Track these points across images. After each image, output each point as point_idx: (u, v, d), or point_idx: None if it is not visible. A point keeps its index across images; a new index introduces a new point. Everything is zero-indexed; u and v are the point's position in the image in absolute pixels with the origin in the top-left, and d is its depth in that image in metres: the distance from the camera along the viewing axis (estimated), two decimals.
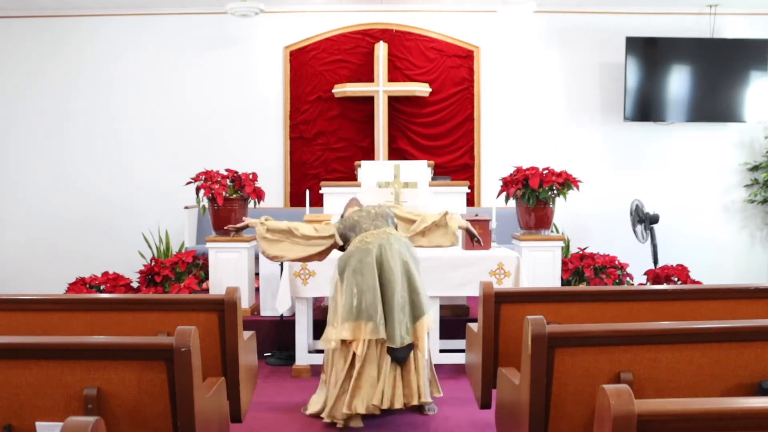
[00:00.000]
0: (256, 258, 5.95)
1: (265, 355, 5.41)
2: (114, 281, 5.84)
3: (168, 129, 7.79)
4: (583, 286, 5.61)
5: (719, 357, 2.57)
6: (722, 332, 2.61)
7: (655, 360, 2.55)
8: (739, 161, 7.85)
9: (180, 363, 2.38)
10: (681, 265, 6.23)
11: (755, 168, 7.78)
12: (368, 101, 7.63)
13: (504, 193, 5.88)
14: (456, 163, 7.78)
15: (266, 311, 5.67)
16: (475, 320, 3.89)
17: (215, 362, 3.22)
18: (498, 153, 7.66)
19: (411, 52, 7.77)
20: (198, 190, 5.71)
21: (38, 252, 7.77)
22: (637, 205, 6.73)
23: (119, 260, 7.13)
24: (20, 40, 7.74)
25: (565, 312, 3.39)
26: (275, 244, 4.06)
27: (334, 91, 7.65)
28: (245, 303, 5.70)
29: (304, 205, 5.45)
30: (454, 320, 5.50)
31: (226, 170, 5.79)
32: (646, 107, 7.61)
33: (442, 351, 5.01)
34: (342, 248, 4.11)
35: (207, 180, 5.68)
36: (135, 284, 6.10)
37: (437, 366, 5.08)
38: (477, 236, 4.42)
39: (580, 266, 5.99)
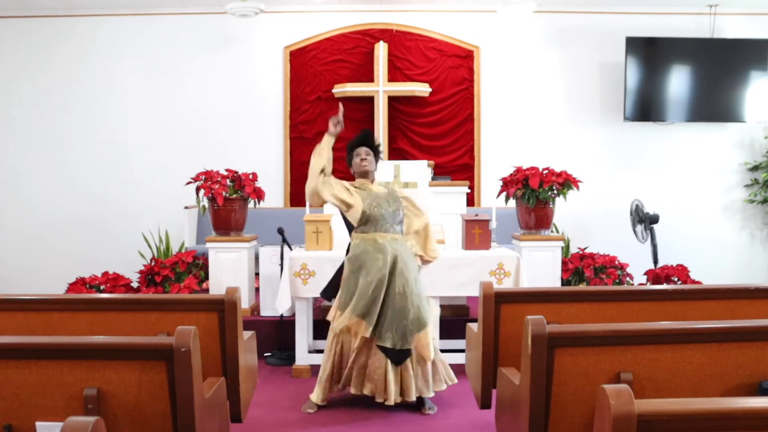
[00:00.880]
0: (256, 258, 5.96)
1: (265, 355, 5.41)
2: (114, 281, 5.83)
3: (168, 129, 7.79)
4: (583, 286, 5.62)
5: (719, 357, 2.57)
6: (722, 332, 2.61)
7: (655, 360, 2.55)
8: (739, 161, 7.85)
9: (180, 363, 2.38)
10: (681, 265, 6.23)
11: (755, 168, 7.78)
12: (368, 101, 7.63)
13: (504, 193, 5.88)
14: (456, 163, 7.78)
15: (266, 311, 5.67)
16: (475, 320, 3.90)
17: (215, 362, 3.22)
18: (498, 153, 7.66)
19: (411, 52, 7.77)
20: (198, 190, 5.71)
21: (38, 252, 7.77)
22: (637, 205, 6.73)
23: (119, 260, 7.13)
24: (20, 40, 7.74)
25: (565, 312, 3.39)
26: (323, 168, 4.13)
27: (334, 91, 7.65)
28: (245, 303, 5.70)
29: (304, 205, 5.45)
30: (454, 320, 5.51)
31: (226, 170, 5.79)
32: (646, 107, 7.61)
33: (442, 351, 4.99)
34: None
35: (207, 180, 5.68)
36: (135, 284, 6.10)
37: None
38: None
39: (580, 266, 5.99)
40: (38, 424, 2.29)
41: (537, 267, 5.67)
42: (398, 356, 4.06)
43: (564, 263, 5.96)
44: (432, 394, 4.21)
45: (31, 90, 7.78)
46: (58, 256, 7.68)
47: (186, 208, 7.06)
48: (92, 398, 2.35)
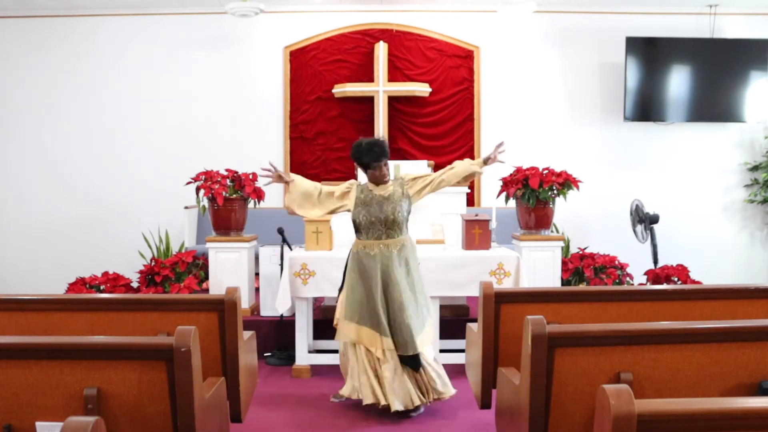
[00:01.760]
0: (256, 258, 5.95)
1: (265, 355, 5.41)
2: (114, 281, 5.83)
3: (168, 129, 7.78)
4: (583, 286, 5.61)
5: (719, 357, 2.57)
6: (722, 332, 2.61)
7: (655, 360, 2.55)
8: (739, 161, 7.85)
9: (180, 363, 2.38)
10: (681, 265, 6.23)
11: (755, 168, 7.78)
12: (368, 101, 7.63)
13: (504, 193, 5.89)
14: None
15: (266, 311, 5.67)
16: (475, 320, 3.90)
17: (215, 362, 3.22)
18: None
19: (411, 52, 7.77)
20: (198, 190, 5.71)
21: (38, 252, 7.77)
22: (637, 205, 6.73)
23: (119, 260, 7.13)
24: (20, 40, 7.73)
25: (565, 312, 3.39)
26: (299, 205, 4.24)
27: (334, 91, 7.65)
28: (245, 303, 5.70)
29: None
30: (454, 320, 5.50)
31: (226, 170, 5.79)
32: (646, 107, 7.61)
33: (442, 351, 5.01)
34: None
35: (207, 180, 5.68)
36: (135, 284, 6.10)
37: None
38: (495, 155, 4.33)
39: (580, 266, 5.99)
40: (38, 424, 2.29)
41: (537, 267, 5.67)
42: (412, 362, 4.08)
43: (564, 263, 5.96)
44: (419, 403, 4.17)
45: (31, 90, 7.77)
46: (58, 256, 7.68)
47: (186, 208, 7.06)
48: (92, 398, 2.35)
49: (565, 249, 7.13)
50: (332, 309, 4.90)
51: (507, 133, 7.75)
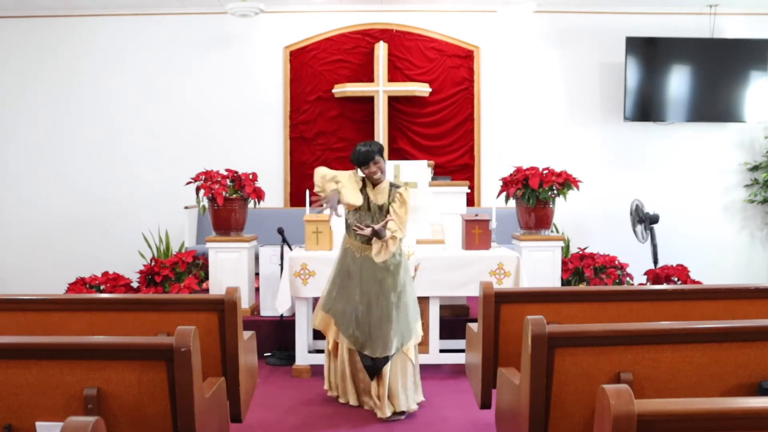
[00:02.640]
0: (256, 258, 5.96)
1: (265, 355, 5.41)
2: (114, 281, 5.83)
3: (168, 129, 7.79)
4: (583, 286, 5.62)
5: (719, 357, 2.57)
6: (722, 332, 2.61)
7: (655, 360, 2.55)
8: (739, 161, 7.85)
9: (180, 363, 2.38)
10: (681, 265, 6.23)
11: (755, 168, 7.78)
12: (368, 101, 7.63)
13: (504, 193, 5.88)
14: (456, 163, 7.78)
15: (266, 311, 5.67)
16: (475, 320, 3.90)
17: (215, 362, 3.22)
18: (498, 153, 7.66)
19: (411, 52, 7.77)
20: (198, 190, 5.71)
21: (38, 252, 7.77)
22: (637, 205, 6.73)
23: (119, 260, 7.13)
24: (20, 40, 7.73)
25: (565, 312, 3.39)
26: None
27: (334, 91, 7.65)
28: (245, 303, 5.70)
29: (304, 205, 5.45)
30: (454, 320, 5.50)
31: (226, 170, 5.79)
32: (646, 107, 7.61)
33: (442, 351, 5.01)
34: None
35: (207, 180, 5.68)
36: (135, 284, 6.10)
37: (437, 366, 5.09)
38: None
39: (580, 266, 5.99)
40: (38, 424, 2.29)
41: (537, 267, 5.67)
42: (375, 365, 4.14)
43: (564, 263, 5.97)
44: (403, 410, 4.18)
45: (30, 90, 7.77)
46: (58, 256, 7.68)
47: (186, 208, 7.06)
48: (92, 398, 2.35)
49: (565, 249, 7.13)
50: None
51: (507, 133, 7.80)
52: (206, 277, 5.89)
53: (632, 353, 2.55)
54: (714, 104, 7.56)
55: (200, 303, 3.28)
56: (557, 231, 7.30)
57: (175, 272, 5.91)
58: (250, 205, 5.86)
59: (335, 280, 4.30)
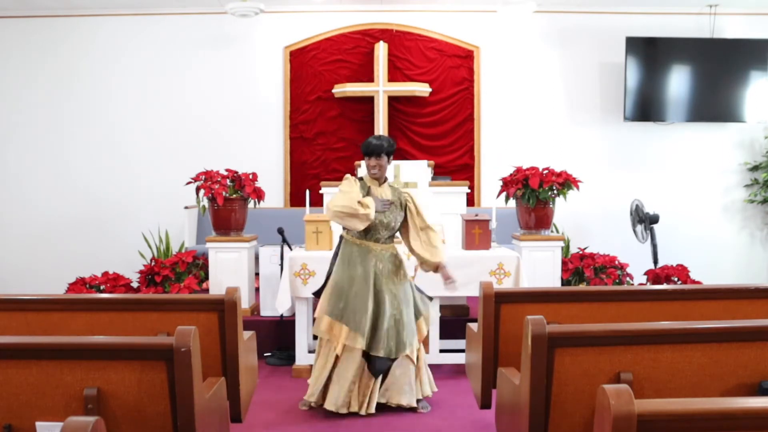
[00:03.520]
0: (256, 258, 5.95)
1: (265, 355, 5.41)
2: (114, 281, 5.83)
3: (168, 129, 7.78)
4: (583, 286, 5.62)
5: (719, 357, 2.57)
6: (722, 332, 2.61)
7: (655, 360, 2.56)
8: (739, 161, 7.85)
9: (180, 363, 2.38)
10: (681, 265, 6.23)
11: (755, 168, 7.78)
12: (368, 101, 7.63)
13: (504, 193, 5.88)
14: (456, 163, 7.78)
15: (266, 311, 5.67)
16: (475, 320, 3.90)
17: (215, 362, 3.22)
18: (498, 153, 7.66)
19: (411, 52, 7.77)
20: (198, 190, 5.71)
21: (38, 252, 7.76)
22: (637, 205, 6.73)
23: (119, 260, 7.13)
24: (20, 40, 7.73)
25: (565, 312, 3.39)
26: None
27: (334, 91, 7.65)
28: (245, 303, 5.70)
29: (304, 205, 5.45)
30: (454, 320, 5.50)
31: (226, 170, 5.79)
32: (646, 107, 7.61)
33: (442, 351, 5.01)
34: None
35: (207, 180, 5.68)
36: (135, 284, 6.10)
37: (437, 366, 5.09)
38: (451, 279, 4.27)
39: (580, 266, 5.99)
40: (38, 424, 2.29)
41: (537, 267, 5.67)
42: (381, 365, 4.10)
43: (564, 263, 5.96)
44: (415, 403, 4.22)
45: (31, 90, 7.77)
46: (58, 256, 7.68)
47: (186, 208, 7.06)
48: (92, 398, 2.35)
49: (565, 249, 7.13)
50: None
51: (507, 133, 7.79)
52: (206, 277, 5.89)
53: (632, 353, 2.55)
54: (714, 104, 7.56)
55: (200, 303, 3.28)
56: (557, 231, 7.30)
57: (175, 272, 5.91)
58: (250, 205, 5.86)
59: (341, 284, 4.16)
